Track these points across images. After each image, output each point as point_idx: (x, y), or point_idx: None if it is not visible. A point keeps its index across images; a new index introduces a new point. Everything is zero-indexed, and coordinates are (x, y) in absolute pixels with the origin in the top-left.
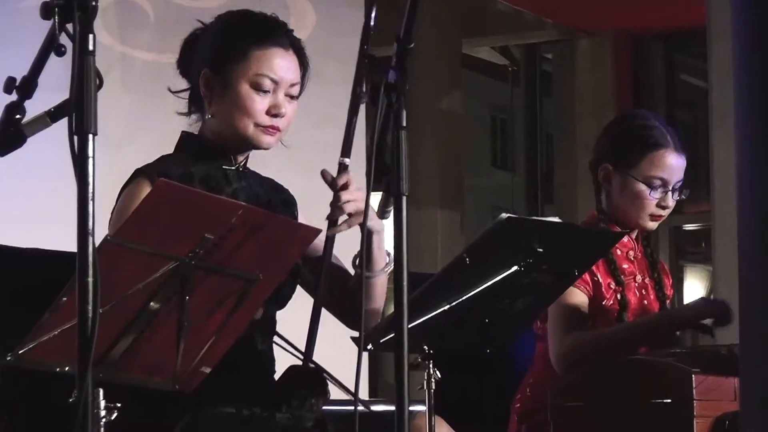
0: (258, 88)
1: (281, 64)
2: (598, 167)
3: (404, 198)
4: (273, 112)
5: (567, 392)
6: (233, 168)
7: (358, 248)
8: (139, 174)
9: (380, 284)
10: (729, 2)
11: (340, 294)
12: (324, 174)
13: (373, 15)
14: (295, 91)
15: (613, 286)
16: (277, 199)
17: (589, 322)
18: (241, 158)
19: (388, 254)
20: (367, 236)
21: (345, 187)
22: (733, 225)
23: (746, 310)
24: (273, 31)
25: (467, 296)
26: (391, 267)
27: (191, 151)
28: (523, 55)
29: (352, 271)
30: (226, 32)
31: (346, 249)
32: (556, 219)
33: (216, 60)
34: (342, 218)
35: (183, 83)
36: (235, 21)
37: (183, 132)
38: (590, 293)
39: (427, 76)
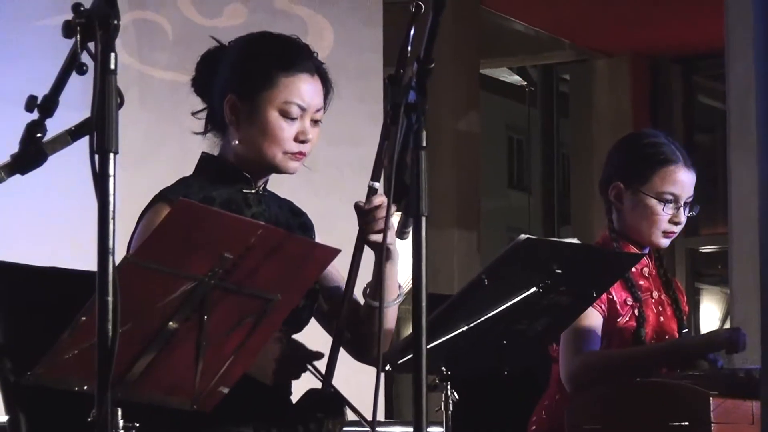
0: (286, 115)
1: (308, 90)
2: (608, 187)
3: (423, 218)
4: (300, 138)
5: (584, 414)
6: (253, 192)
7: (369, 278)
8: (159, 199)
9: (390, 315)
10: (748, 23)
11: (349, 323)
12: (356, 206)
13: (410, 37)
14: (319, 116)
15: (630, 302)
16: (295, 223)
17: (604, 342)
18: (261, 182)
19: (400, 286)
20: (382, 263)
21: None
22: (750, 247)
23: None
24: (299, 56)
25: (485, 317)
26: (401, 299)
27: (212, 174)
28: (540, 76)
29: (362, 301)
30: (250, 56)
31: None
32: (574, 240)
33: (241, 85)
34: (376, 236)
35: (200, 102)
36: (259, 45)
37: (203, 153)
38: (605, 313)
39: (444, 97)
